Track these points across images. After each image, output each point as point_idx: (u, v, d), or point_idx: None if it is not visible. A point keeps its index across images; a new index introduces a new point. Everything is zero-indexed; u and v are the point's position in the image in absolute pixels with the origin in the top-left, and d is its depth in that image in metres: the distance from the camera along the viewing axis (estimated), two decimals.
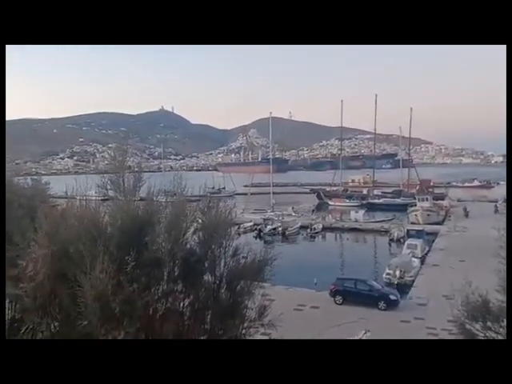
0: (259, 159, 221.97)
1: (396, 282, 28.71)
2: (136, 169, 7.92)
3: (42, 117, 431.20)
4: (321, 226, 51.52)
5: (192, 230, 7.20)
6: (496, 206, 56.93)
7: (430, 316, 21.05)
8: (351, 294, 23.99)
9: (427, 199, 56.82)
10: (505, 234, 6.06)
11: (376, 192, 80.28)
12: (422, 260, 34.28)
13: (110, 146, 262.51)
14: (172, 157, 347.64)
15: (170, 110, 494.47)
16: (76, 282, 5.39)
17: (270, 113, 73.13)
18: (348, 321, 20.79)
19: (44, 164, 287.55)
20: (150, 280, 6.15)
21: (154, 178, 7.66)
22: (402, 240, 41.99)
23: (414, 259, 32.58)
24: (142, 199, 6.86)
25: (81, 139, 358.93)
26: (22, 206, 7.13)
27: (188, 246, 7.10)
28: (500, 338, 6.02)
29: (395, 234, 44.85)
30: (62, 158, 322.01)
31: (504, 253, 5.99)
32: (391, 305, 23.04)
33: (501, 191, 63.01)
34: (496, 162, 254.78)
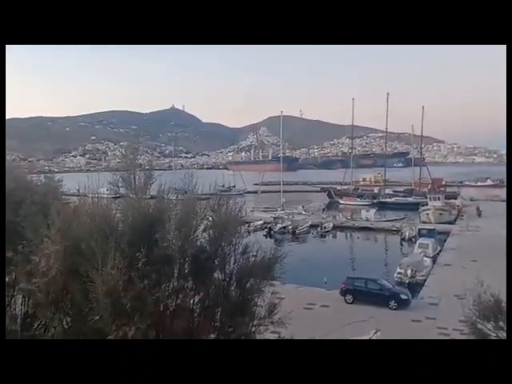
0: (269, 157, 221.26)
1: (407, 282, 28.49)
2: (147, 167, 7.98)
3: (56, 115, 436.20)
4: (331, 225, 51.29)
5: (202, 227, 7.23)
6: None
7: (442, 316, 20.88)
8: (362, 293, 23.88)
9: (439, 198, 56.25)
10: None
11: (387, 191, 79.72)
12: (434, 259, 33.98)
13: (121, 144, 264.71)
14: (182, 155, 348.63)
15: (181, 108, 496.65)
16: (88, 277, 5.46)
17: (281, 111, 72.83)
18: (358, 320, 20.71)
19: (57, 162, 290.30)
20: (161, 277, 6.20)
21: (165, 176, 7.71)
22: (413, 239, 41.66)
23: (425, 258, 32.33)
24: (152, 197, 6.91)
25: (93, 137, 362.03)
26: (35, 202, 7.21)
27: (198, 243, 7.13)
28: None
29: (407, 234, 44.51)
30: (75, 156, 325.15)
31: None
32: (402, 304, 22.88)
33: None
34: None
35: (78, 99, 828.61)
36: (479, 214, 55.54)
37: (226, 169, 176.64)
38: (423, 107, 78.82)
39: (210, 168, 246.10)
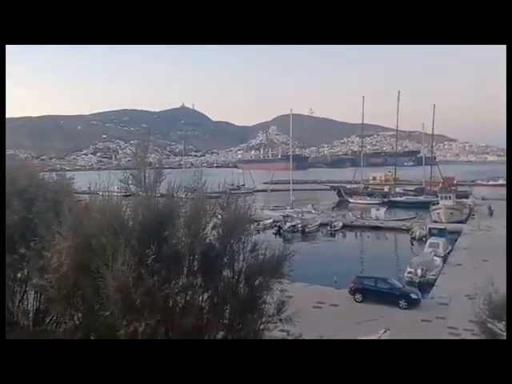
0: (279, 156, 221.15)
1: (417, 281, 28.33)
2: (157, 165, 8.04)
3: (68, 113, 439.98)
4: (341, 224, 51.16)
5: (211, 225, 7.27)
6: None
7: (452, 316, 20.73)
8: (371, 292, 23.81)
9: (450, 197, 55.79)
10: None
11: (398, 190, 79.21)
12: (445, 259, 33.74)
13: (131, 142, 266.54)
14: (192, 153, 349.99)
15: (191, 106, 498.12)
16: (98, 273, 5.52)
17: (291, 110, 72.95)
18: (368, 319, 20.65)
19: (68, 160, 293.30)
20: (170, 273, 6.25)
21: (175, 175, 7.76)
22: (423, 239, 41.37)
23: (436, 258, 32.11)
24: (162, 195, 6.96)
25: (104, 136, 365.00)
26: (47, 199, 7.30)
27: (207, 240, 7.17)
28: None
29: (417, 233, 44.24)
30: (86, 154, 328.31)
31: None
32: (412, 304, 22.77)
33: None
34: None
35: (90, 98, 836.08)
36: (491, 214, 54.93)
37: (236, 167, 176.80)
38: (434, 105, 78.25)
39: (219, 166, 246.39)
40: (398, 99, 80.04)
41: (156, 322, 5.66)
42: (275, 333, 7.81)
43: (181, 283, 6.59)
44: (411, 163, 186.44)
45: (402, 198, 72.36)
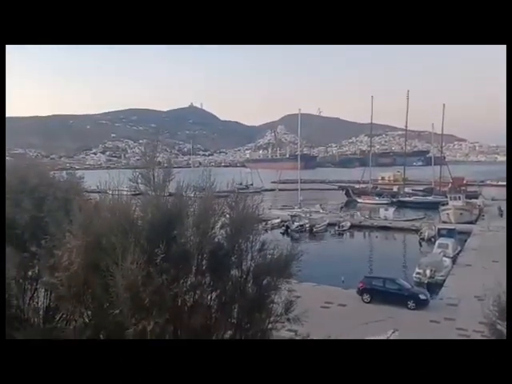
0: (287, 156, 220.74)
1: (426, 282, 28.13)
2: (165, 164, 8.07)
3: (77, 113, 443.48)
4: (349, 224, 50.96)
5: (220, 224, 7.29)
6: None
7: (461, 317, 20.56)
8: (379, 292, 23.69)
9: (460, 198, 55.31)
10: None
11: (407, 190, 78.72)
12: (454, 260, 33.46)
13: (140, 141, 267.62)
14: (200, 153, 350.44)
15: (199, 106, 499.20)
16: (108, 272, 5.57)
17: (299, 109, 72.61)
18: (376, 319, 20.56)
19: (77, 159, 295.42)
20: (179, 272, 6.27)
21: (183, 174, 7.79)
22: (432, 239, 41.06)
23: (445, 258, 31.85)
24: (171, 194, 6.99)
25: (113, 135, 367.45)
26: (58, 198, 7.38)
27: (216, 239, 7.18)
28: None
29: (426, 233, 43.90)
30: (95, 154, 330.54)
31: None
32: (421, 304, 22.63)
33: None
34: None
35: (99, 98, 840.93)
36: (501, 214, 54.34)
37: (244, 167, 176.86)
38: (444, 105, 77.70)
39: (227, 166, 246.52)
40: (408, 99, 79.58)
41: (165, 320, 5.69)
42: (283, 332, 7.81)
43: (189, 282, 6.62)
44: (420, 163, 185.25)
45: (411, 198, 71.89)
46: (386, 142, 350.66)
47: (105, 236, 5.95)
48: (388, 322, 20.22)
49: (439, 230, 41.43)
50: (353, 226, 51.33)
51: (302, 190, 65.59)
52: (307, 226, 49.07)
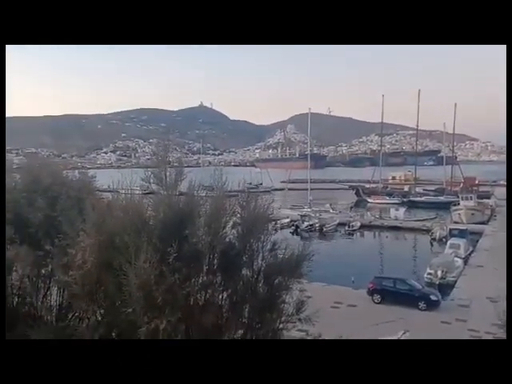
0: (297, 155, 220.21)
1: (437, 283, 27.88)
2: (176, 164, 8.10)
3: (88, 113, 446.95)
4: (359, 224, 50.73)
5: (231, 223, 7.29)
6: None
7: (473, 318, 20.36)
8: (390, 293, 23.53)
9: (471, 198, 54.70)
10: None
11: (418, 189, 78.09)
12: (466, 260, 33.12)
13: (150, 141, 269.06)
14: (210, 152, 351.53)
15: (209, 105, 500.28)
16: (121, 271, 5.61)
17: (309, 108, 72.57)
18: (386, 320, 20.43)
19: (89, 158, 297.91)
20: (191, 271, 6.30)
21: (194, 173, 7.81)
22: (444, 239, 40.69)
23: (456, 259, 31.54)
24: (181, 194, 7.02)
25: (123, 134, 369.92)
26: (70, 197, 7.44)
27: (227, 239, 7.20)
28: None
29: (437, 233, 43.53)
30: (106, 153, 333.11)
31: None
32: (432, 305, 22.44)
33: None
34: None
35: (108, 97, 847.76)
36: None
37: (254, 166, 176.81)
38: (455, 104, 76.89)
39: (237, 165, 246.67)
40: (419, 98, 78.95)
41: (177, 319, 5.72)
42: (293, 332, 7.81)
43: (201, 281, 6.64)
44: (431, 163, 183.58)
45: (422, 198, 71.29)
46: (396, 141, 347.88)
47: (118, 235, 5.99)
48: (399, 322, 20.07)
49: (451, 230, 41.01)
50: (363, 226, 51.06)
51: (311, 189, 65.42)
52: (317, 225, 48.94)
